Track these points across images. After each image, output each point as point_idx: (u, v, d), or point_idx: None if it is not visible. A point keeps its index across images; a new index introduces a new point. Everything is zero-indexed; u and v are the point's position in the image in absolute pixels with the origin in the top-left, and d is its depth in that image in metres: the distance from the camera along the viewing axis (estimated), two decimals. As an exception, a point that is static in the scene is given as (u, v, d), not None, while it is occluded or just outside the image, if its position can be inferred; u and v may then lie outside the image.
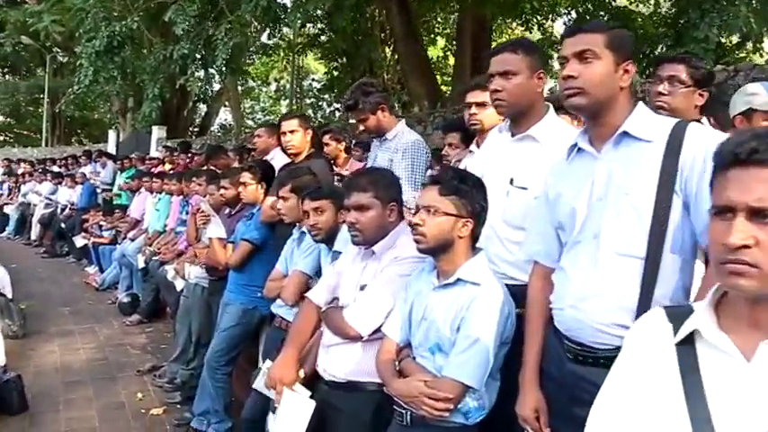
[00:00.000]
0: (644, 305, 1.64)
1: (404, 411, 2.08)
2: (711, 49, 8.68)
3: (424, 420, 2.01)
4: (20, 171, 15.64)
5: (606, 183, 1.75)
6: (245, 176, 4.15)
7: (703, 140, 1.66)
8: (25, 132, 33.53)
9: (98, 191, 11.32)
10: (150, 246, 6.95)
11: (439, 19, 18.77)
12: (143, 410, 4.48)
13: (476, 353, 1.95)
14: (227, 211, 4.57)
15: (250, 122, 30.58)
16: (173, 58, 10.68)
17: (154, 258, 6.60)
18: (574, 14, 14.12)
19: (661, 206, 1.66)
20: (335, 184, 3.96)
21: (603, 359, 1.69)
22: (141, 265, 6.92)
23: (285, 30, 16.67)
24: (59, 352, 5.79)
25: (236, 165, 6.31)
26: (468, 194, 2.08)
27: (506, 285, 2.11)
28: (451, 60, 19.00)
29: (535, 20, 15.38)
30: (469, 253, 2.12)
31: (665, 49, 10.86)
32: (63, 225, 11.23)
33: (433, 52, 19.75)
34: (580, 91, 1.75)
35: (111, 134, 19.10)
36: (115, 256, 8.09)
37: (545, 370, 1.91)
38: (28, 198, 13.38)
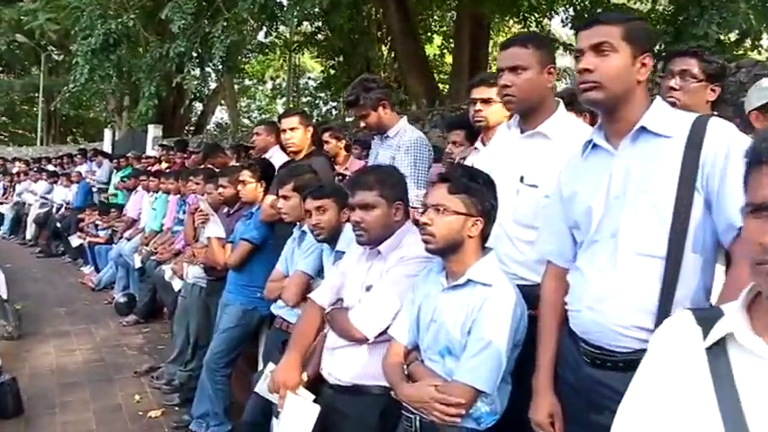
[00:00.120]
0: (665, 307, 1.58)
1: (413, 417, 2.01)
2: (711, 47, 8.64)
3: (434, 426, 1.94)
4: (15, 170, 15.55)
5: (624, 180, 1.69)
6: (245, 175, 4.08)
7: (725, 136, 1.60)
8: (20, 131, 33.45)
9: (94, 190, 11.26)
10: (147, 245, 6.89)
11: (435, 17, 18.72)
12: (141, 413, 4.41)
13: (488, 356, 1.89)
14: (226, 210, 4.51)
15: (246, 121, 30.52)
16: (169, 56, 10.60)
17: (151, 258, 6.53)
18: (572, 11, 14.04)
19: (682, 204, 1.60)
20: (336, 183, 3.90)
21: (622, 363, 1.64)
22: (138, 264, 6.86)
23: (282, 28, 16.64)
24: (55, 353, 5.71)
25: (233, 163, 6.26)
26: (479, 192, 2.02)
27: (517, 286, 2.04)
28: (448, 58, 18.97)
29: (532, 17, 15.34)
30: (479, 253, 2.06)
31: (663, 46, 10.83)
32: (58, 224, 11.15)
33: (430, 50, 19.68)
34: (597, 85, 1.69)
35: (107, 133, 18.96)
36: (111, 256, 8.03)
37: (560, 374, 1.85)
38: (23, 197, 13.31)
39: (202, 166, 6.32)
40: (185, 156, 8.85)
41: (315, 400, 2.39)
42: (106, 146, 17.23)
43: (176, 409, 4.47)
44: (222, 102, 25.85)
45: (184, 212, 5.90)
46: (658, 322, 1.57)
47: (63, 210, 11.41)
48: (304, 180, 3.34)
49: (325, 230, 2.91)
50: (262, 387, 2.74)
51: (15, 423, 4.17)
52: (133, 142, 15.03)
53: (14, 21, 18.87)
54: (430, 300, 2.09)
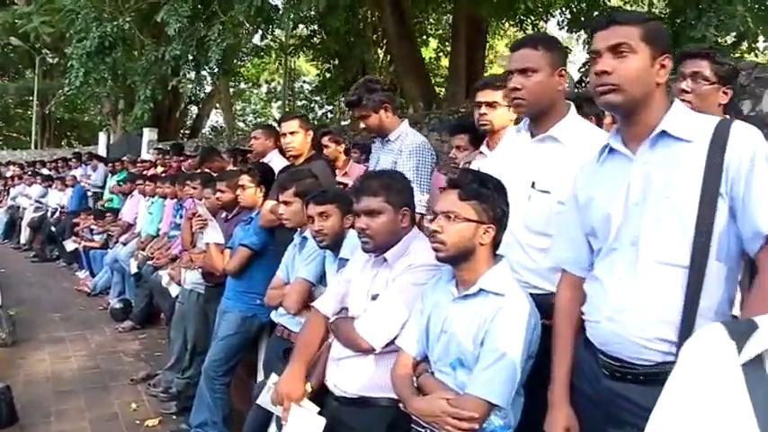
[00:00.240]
0: (688, 318, 1.52)
1: (423, 430, 1.94)
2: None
3: (445, 440, 1.88)
4: (9, 174, 15.44)
5: (643, 186, 1.63)
6: (244, 179, 4.01)
7: (750, 140, 1.55)
8: (14, 135, 33.31)
9: (89, 194, 11.18)
10: (143, 250, 6.80)
11: (431, 20, 18.68)
12: (137, 421, 4.32)
13: (502, 369, 1.82)
14: (224, 215, 4.44)
15: (241, 124, 30.51)
16: (164, 59, 10.55)
17: (147, 263, 6.45)
18: (568, 14, 14.01)
19: (706, 210, 1.54)
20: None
21: (643, 375, 1.58)
22: (134, 270, 6.77)
23: (277, 31, 16.56)
24: (50, 360, 5.62)
25: (230, 167, 6.18)
26: (490, 199, 1.95)
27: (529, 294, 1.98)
28: (444, 62, 18.92)
29: (529, 20, 15.32)
30: (491, 261, 1.99)
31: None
32: (53, 229, 11.07)
33: (426, 53, 19.63)
34: (615, 87, 1.63)
35: (102, 136, 18.86)
36: (107, 261, 7.93)
37: (576, 386, 1.78)
38: (17, 201, 13.24)
39: (199, 171, 6.26)
40: (181, 159, 8.79)
41: (320, 412, 2.32)
42: (101, 149, 17.16)
43: (174, 417, 4.38)
44: (217, 105, 25.75)
45: (181, 217, 5.82)
46: (681, 334, 1.52)
47: (58, 214, 11.32)
48: (305, 185, 3.26)
49: (329, 237, 2.84)
50: (264, 399, 2.66)
51: (9, 432, 4.08)
52: (128, 146, 14.97)
53: (9, 24, 18.79)
54: (440, 309, 2.03)
